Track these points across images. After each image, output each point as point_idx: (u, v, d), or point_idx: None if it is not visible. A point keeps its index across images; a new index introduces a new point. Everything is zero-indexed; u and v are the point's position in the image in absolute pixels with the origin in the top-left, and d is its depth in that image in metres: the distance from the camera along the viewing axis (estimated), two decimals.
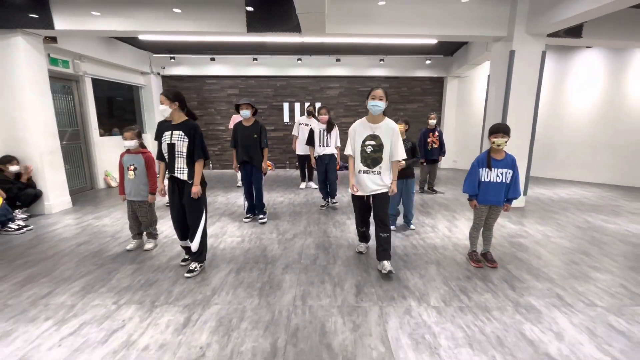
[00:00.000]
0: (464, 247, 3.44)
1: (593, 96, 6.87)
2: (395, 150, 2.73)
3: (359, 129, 2.79)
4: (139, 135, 3.32)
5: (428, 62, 8.21)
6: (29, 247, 3.50)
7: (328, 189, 4.93)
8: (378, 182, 2.78)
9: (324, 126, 4.77)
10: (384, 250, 2.82)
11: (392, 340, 2.00)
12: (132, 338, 2.03)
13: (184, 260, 3.07)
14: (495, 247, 3.43)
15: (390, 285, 2.67)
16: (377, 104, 2.64)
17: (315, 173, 5.47)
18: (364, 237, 3.29)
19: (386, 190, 2.80)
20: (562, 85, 7.21)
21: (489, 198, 2.83)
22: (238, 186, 6.48)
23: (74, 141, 5.93)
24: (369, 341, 2.00)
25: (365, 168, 2.78)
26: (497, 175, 2.76)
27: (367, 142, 2.73)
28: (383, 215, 2.80)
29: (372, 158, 2.74)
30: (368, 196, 2.89)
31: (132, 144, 3.25)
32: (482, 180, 2.82)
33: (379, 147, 2.72)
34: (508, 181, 2.77)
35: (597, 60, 6.78)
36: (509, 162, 2.76)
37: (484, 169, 2.79)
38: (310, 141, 4.92)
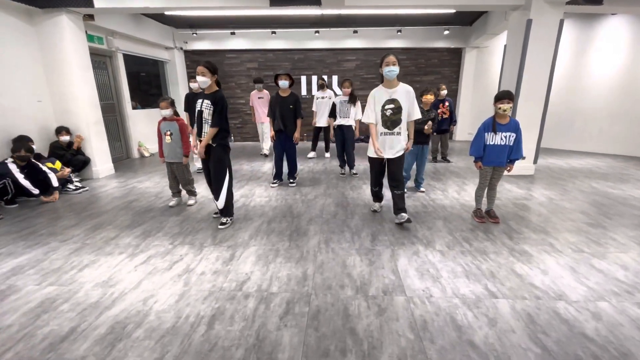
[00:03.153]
0: (470, 207, 3.78)
1: (616, 66, 6.75)
2: (412, 110, 3.03)
3: (378, 95, 3.06)
4: (172, 104, 3.73)
5: (446, 32, 8.15)
6: (88, 203, 4.08)
7: (345, 159, 5.26)
8: (397, 144, 3.09)
9: (346, 98, 4.98)
10: (400, 208, 3.20)
11: (401, 272, 2.43)
12: (190, 267, 2.54)
13: (216, 213, 3.58)
14: (499, 207, 3.75)
15: (402, 234, 3.07)
16: (392, 69, 2.92)
17: (332, 144, 5.76)
18: (377, 197, 3.66)
19: (402, 152, 3.13)
20: (585, 54, 7.09)
21: (493, 159, 3.13)
22: (261, 154, 6.90)
23: (109, 114, 6.43)
24: (382, 272, 2.43)
25: (386, 130, 3.08)
26: (501, 139, 3.04)
27: (387, 106, 3.02)
28: (398, 175, 3.16)
29: (391, 120, 3.04)
30: (385, 159, 3.20)
31: (168, 112, 3.67)
32: (487, 143, 3.11)
33: (397, 110, 3.01)
34: (511, 144, 3.05)
35: (622, 28, 6.61)
36: (513, 126, 3.02)
37: (490, 133, 3.07)
38: (332, 113, 5.17)
